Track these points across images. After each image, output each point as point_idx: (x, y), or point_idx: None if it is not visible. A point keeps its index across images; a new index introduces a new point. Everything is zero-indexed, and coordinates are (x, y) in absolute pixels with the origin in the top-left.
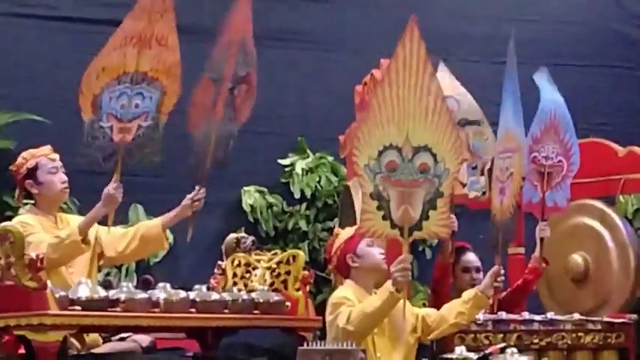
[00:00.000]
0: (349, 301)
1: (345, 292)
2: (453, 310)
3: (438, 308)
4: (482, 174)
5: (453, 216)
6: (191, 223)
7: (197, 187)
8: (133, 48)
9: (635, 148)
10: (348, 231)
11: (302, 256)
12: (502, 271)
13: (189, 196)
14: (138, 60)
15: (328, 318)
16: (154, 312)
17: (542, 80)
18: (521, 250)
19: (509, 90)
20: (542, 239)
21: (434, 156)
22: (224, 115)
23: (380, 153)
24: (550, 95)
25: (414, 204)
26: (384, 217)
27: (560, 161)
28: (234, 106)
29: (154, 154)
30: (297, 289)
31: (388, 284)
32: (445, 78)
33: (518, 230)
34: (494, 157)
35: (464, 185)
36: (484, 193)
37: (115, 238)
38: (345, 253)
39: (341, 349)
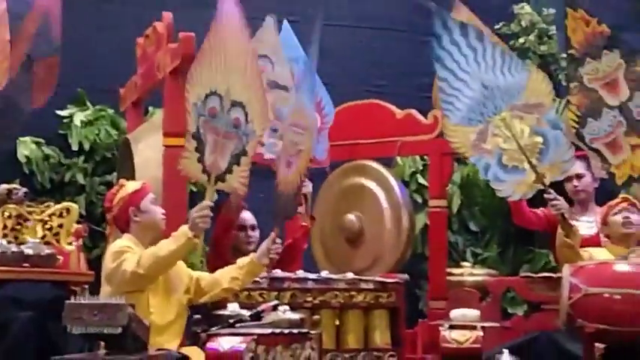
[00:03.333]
0: (132, 249)
1: (125, 242)
2: (226, 275)
3: (217, 266)
4: (280, 139)
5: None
6: None
7: None
8: None
9: (413, 111)
10: (134, 184)
11: (75, 209)
12: (279, 241)
13: None
14: None
15: (109, 266)
16: None
17: (285, 36)
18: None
19: (308, 70)
20: (305, 196)
21: (246, 115)
22: (18, 80)
23: (206, 96)
24: (291, 51)
25: (224, 155)
26: (198, 160)
27: None
28: (32, 80)
29: None
30: (70, 243)
31: (185, 229)
32: (270, 36)
33: None
34: (287, 127)
35: (262, 145)
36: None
37: None
38: (129, 205)
39: (110, 304)
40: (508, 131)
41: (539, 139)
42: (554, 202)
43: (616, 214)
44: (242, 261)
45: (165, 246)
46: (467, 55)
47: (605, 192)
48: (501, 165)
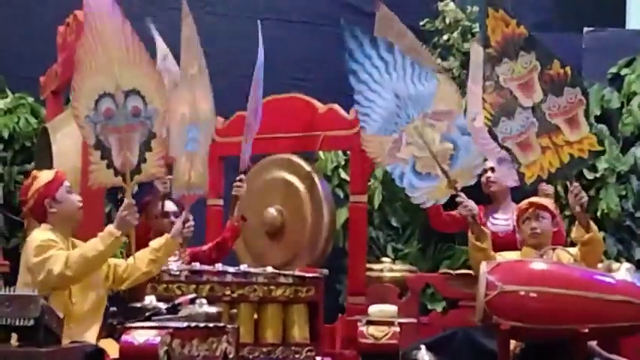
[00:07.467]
0: (56, 244)
1: (47, 234)
2: (144, 259)
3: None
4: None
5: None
6: None
7: None
8: None
9: (335, 106)
10: (48, 174)
11: None
12: (191, 217)
13: None
14: None
15: (32, 260)
16: None
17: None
18: (220, 201)
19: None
20: (236, 197)
21: (143, 98)
22: None
23: (96, 102)
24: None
25: (132, 148)
26: (107, 166)
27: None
28: None
29: None
30: None
31: (111, 228)
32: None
33: (218, 181)
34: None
35: None
36: None
37: None
38: (44, 197)
39: (22, 295)
40: (420, 139)
41: (450, 146)
42: (465, 204)
43: (524, 221)
44: (157, 243)
45: (93, 247)
46: (378, 67)
47: (523, 190)
48: (415, 172)
